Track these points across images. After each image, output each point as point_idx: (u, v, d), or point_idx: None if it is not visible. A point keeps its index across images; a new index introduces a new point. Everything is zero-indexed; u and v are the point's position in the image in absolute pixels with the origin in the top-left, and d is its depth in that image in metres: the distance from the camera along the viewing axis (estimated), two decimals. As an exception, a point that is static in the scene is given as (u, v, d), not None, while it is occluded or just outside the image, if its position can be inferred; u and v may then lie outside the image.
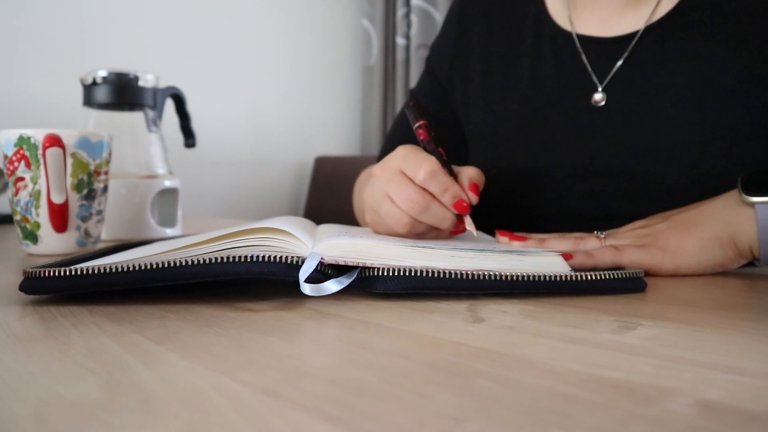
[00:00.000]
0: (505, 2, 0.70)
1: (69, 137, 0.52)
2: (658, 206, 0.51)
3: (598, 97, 0.58)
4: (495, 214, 0.66)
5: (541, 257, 0.38)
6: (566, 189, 0.60)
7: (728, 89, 0.52)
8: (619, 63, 0.58)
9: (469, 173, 0.45)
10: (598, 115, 0.58)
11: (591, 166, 0.58)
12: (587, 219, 0.58)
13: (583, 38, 0.61)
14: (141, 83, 0.72)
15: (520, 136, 0.64)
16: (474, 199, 0.44)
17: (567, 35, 0.62)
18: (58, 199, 0.52)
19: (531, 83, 0.64)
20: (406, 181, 0.43)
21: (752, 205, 0.42)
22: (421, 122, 0.47)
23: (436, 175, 0.42)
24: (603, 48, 0.60)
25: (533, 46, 0.65)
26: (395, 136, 0.76)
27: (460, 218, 0.44)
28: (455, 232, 0.46)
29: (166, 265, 0.32)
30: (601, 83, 0.59)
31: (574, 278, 0.35)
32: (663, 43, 0.56)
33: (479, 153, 0.69)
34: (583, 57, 0.60)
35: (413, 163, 0.43)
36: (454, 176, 0.45)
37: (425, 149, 0.46)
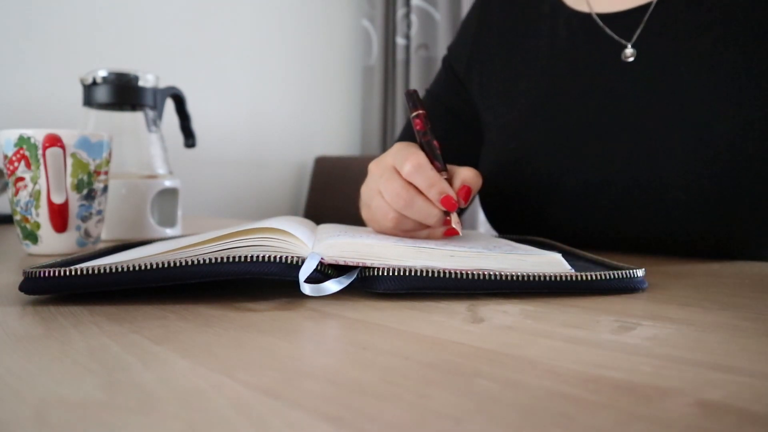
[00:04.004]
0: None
1: (69, 137, 0.52)
2: (684, 168, 0.52)
3: (629, 52, 0.58)
4: (515, 198, 0.65)
5: (541, 257, 0.38)
6: (582, 156, 0.59)
7: None
8: (647, 15, 0.58)
9: (464, 175, 0.44)
10: (629, 71, 0.58)
11: (612, 127, 0.58)
12: (607, 185, 0.57)
13: (603, 15, 0.62)
14: (141, 83, 0.72)
15: (537, 117, 0.64)
16: (461, 202, 0.43)
17: (584, 16, 0.63)
18: (58, 199, 0.52)
19: (547, 63, 0.64)
20: (395, 176, 0.43)
21: None
22: (419, 112, 0.46)
23: (422, 169, 0.41)
24: (624, 18, 0.60)
25: (549, 32, 0.66)
26: (405, 137, 0.77)
27: (449, 216, 0.43)
28: (448, 233, 0.45)
29: (166, 265, 0.32)
30: (629, 41, 0.59)
31: (574, 278, 0.35)
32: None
33: (496, 142, 0.69)
34: (607, 29, 0.61)
35: (402, 157, 0.42)
36: (447, 172, 0.44)
37: (420, 141, 0.46)
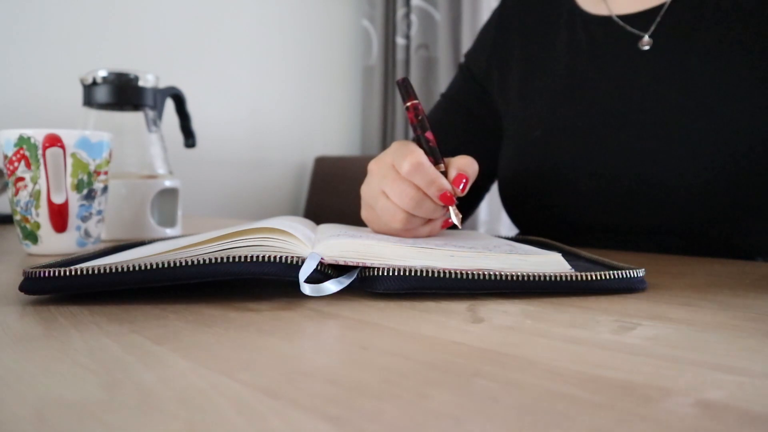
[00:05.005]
0: (541, 7, 0.73)
1: (69, 137, 0.52)
2: (697, 154, 0.54)
3: (645, 40, 0.61)
4: (535, 186, 0.68)
5: (541, 257, 0.38)
6: (601, 144, 0.62)
7: None
8: (663, 11, 0.61)
9: (459, 163, 0.44)
10: (645, 59, 0.61)
11: (629, 115, 0.60)
12: (625, 172, 0.60)
13: (621, 17, 0.64)
14: (141, 83, 0.72)
15: (559, 107, 0.66)
16: (458, 192, 0.43)
17: (602, 19, 0.65)
18: (58, 199, 0.52)
19: (567, 58, 0.67)
20: (399, 176, 0.43)
21: None
22: (412, 102, 0.46)
23: (420, 168, 0.41)
24: (642, 17, 0.63)
25: (567, 33, 0.68)
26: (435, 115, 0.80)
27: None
28: (446, 224, 0.45)
29: (166, 265, 0.32)
30: (646, 32, 0.62)
31: (574, 278, 0.35)
32: None
33: (518, 133, 0.70)
34: (628, 27, 0.63)
35: (401, 156, 0.43)
36: (444, 164, 0.44)
37: (415, 135, 0.46)
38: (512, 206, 0.73)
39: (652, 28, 0.61)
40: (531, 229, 0.70)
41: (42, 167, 0.51)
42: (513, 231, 0.82)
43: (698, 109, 0.57)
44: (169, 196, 0.73)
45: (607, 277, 0.36)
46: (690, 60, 0.58)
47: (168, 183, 0.71)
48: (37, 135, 0.51)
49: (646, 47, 0.61)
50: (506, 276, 0.35)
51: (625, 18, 0.64)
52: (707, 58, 0.57)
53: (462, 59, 0.83)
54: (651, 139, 0.59)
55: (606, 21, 0.65)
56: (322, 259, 0.34)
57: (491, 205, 1.78)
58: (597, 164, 0.62)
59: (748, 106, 0.55)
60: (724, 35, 0.57)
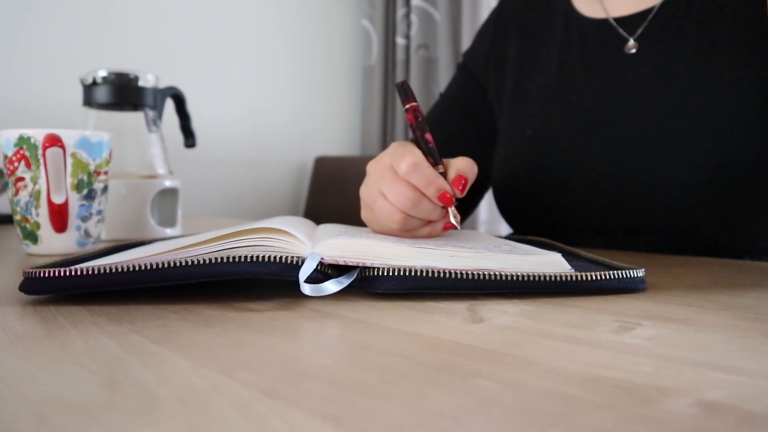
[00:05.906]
0: (539, 9, 0.74)
1: (69, 137, 0.52)
2: (683, 159, 0.55)
3: (631, 44, 0.62)
4: (527, 185, 0.68)
5: (541, 257, 0.38)
6: (590, 144, 0.62)
7: None
8: (651, 15, 0.62)
9: (458, 165, 0.44)
10: (631, 63, 0.62)
11: (618, 116, 0.61)
12: (611, 173, 0.61)
13: (617, 19, 0.65)
14: (141, 83, 0.72)
15: (551, 107, 0.67)
16: (457, 193, 0.43)
17: (596, 21, 0.66)
18: (58, 199, 0.52)
19: (559, 60, 0.68)
20: (397, 176, 0.43)
21: None
22: (411, 105, 0.46)
23: (419, 168, 0.41)
24: (633, 19, 0.64)
25: (562, 35, 0.69)
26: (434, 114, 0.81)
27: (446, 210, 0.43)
28: (447, 226, 0.45)
29: (166, 265, 0.32)
30: (632, 36, 0.63)
31: (574, 278, 0.35)
32: None
33: (512, 132, 0.71)
34: (620, 30, 0.64)
35: (399, 156, 0.42)
36: (442, 165, 0.44)
37: (414, 136, 0.46)
38: (505, 206, 0.73)
39: (639, 31, 0.62)
40: (524, 228, 0.70)
41: (42, 167, 0.51)
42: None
43: (682, 111, 0.57)
44: (169, 196, 0.73)
45: (607, 277, 0.36)
46: (675, 62, 0.59)
47: (168, 183, 0.71)
48: (37, 135, 0.51)
49: (632, 51, 0.62)
50: (506, 276, 0.35)
51: (620, 20, 0.65)
52: (692, 60, 0.58)
53: (461, 59, 0.83)
54: (637, 140, 0.59)
55: (598, 23, 0.66)
56: (322, 259, 0.34)
57: (491, 205, 1.78)
58: (586, 164, 0.62)
59: (732, 109, 0.56)
60: (709, 38, 0.58)
